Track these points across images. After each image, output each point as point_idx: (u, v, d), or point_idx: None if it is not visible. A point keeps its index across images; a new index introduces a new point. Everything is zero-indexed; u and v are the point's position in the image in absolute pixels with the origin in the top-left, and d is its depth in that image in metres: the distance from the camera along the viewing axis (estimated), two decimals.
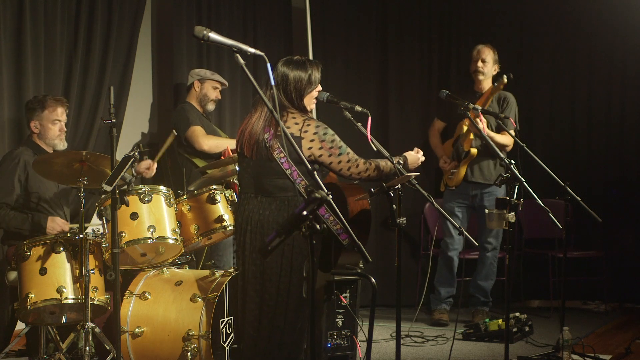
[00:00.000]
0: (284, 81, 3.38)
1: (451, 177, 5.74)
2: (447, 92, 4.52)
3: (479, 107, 4.47)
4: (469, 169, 5.66)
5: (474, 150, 5.57)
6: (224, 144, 5.30)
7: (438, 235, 5.85)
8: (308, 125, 3.34)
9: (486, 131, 5.47)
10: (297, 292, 3.33)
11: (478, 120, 5.26)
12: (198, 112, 5.45)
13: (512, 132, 5.13)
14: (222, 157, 5.25)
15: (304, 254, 3.30)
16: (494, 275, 5.80)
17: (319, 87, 3.48)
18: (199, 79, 5.49)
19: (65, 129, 4.55)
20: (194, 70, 5.60)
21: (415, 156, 3.66)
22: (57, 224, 4.32)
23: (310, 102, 3.45)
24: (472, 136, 5.53)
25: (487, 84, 5.73)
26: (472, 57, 5.77)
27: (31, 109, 4.47)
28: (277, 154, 3.32)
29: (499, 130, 5.57)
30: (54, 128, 4.47)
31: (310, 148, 3.32)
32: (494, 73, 5.74)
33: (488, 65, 5.70)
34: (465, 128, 5.57)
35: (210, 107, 5.54)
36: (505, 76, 5.10)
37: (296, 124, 3.34)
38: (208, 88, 5.49)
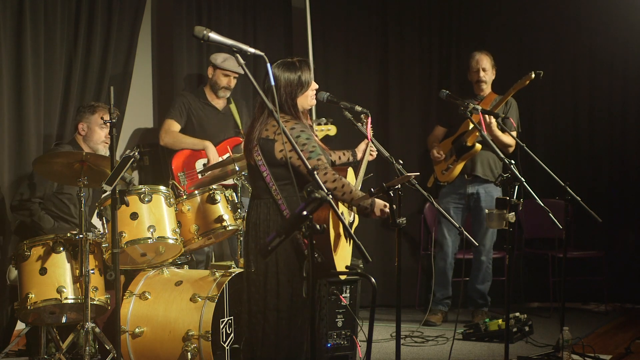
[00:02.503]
0: (276, 85, 3.35)
1: (445, 173, 5.72)
2: (447, 92, 4.51)
3: (479, 107, 4.47)
4: (468, 162, 5.64)
5: (478, 146, 5.53)
6: (184, 142, 5.33)
7: (437, 235, 5.84)
8: None
9: (496, 130, 5.46)
10: (288, 293, 3.32)
11: (490, 118, 5.25)
12: (191, 104, 5.45)
13: (512, 132, 5.12)
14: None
15: (292, 256, 3.31)
16: (490, 277, 5.80)
17: (314, 86, 3.46)
18: (212, 65, 5.51)
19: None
20: (212, 55, 5.58)
21: (381, 204, 3.41)
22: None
23: (306, 103, 3.44)
24: (477, 132, 5.51)
25: (488, 89, 5.76)
26: (471, 67, 5.76)
27: (81, 112, 4.65)
28: (255, 156, 3.33)
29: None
30: (101, 132, 4.60)
31: (281, 150, 3.28)
32: (493, 78, 5.77)
33: (488, 72, 5.74)
34: (471, 125, 5.55)
35: (222, 94, 5.55)
36: (533, 72, 5.09)
37: (273, 126, 3.32)
38: (219, 75, 5.50)
